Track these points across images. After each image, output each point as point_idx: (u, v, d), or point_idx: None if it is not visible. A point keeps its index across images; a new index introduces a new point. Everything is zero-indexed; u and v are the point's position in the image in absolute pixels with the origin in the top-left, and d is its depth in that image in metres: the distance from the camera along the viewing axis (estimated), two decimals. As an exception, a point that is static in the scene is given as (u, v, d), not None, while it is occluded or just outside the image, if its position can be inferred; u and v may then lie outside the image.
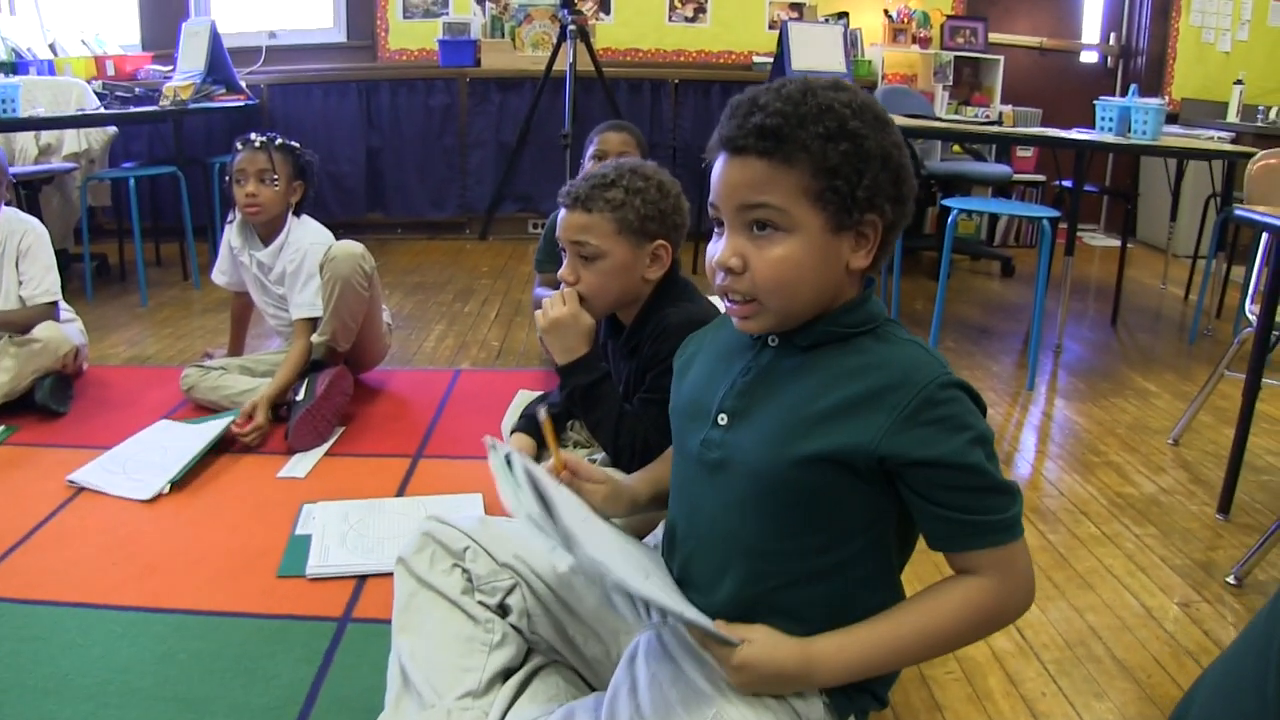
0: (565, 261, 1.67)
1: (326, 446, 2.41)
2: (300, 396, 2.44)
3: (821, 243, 0.97)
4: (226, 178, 2.62)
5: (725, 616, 1.03)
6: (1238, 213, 2.12)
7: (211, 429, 2.36)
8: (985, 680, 1.55)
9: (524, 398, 2.17)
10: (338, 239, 2.65)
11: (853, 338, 1.01)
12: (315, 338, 2.55)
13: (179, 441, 2.33)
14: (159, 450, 2.30)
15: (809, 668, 0.99)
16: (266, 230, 2.65)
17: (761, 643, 0.99)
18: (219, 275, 2.85)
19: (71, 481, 2.14)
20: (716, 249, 1.01)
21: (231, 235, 2.73)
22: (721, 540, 1.06)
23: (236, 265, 2.77)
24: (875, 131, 0.96)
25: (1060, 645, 1.66)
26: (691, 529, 1.10)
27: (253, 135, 2.60)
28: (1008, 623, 1.02)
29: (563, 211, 1.66)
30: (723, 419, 1.05)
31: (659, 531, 1.31)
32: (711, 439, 1.06)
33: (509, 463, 1.10)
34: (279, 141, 2.61)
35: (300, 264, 2.59)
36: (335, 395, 2.48)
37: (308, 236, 2.63)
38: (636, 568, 1.05)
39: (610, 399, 1.66)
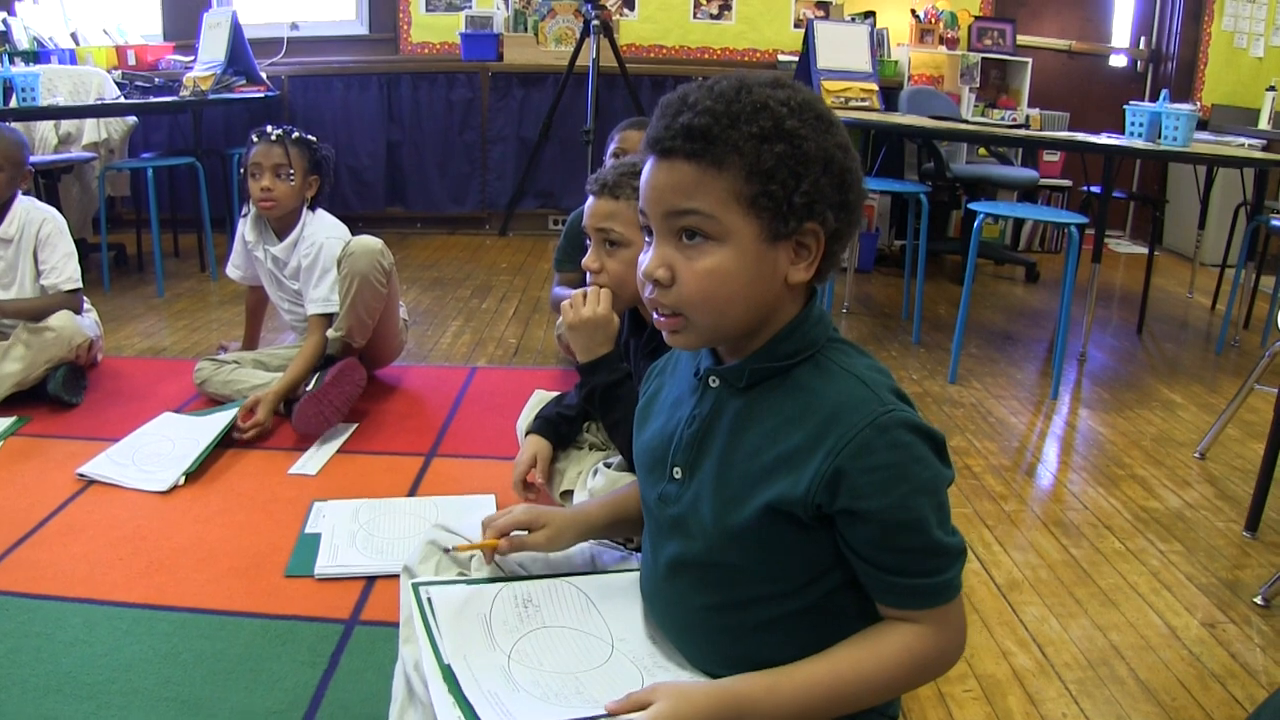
0: (590, 249, 1.65)
1: (339, 443, 2.38)
2: (309, 389, 2.42)
3: (755, 253, 0.90)
4: (242, 170, 2.60)
5: (701, 669, 1.01)
6: (1275, 222, 2.07)
7: (218, 420, 2.34)
8: (1005, 699, 1.51)
9: (540, 397, 2.14)
10: (356, 233, 2.62)
11: (792, 369, 0.95)
12: (330, 333, 2.53)
13: (185, 433, 2.32)
14: (166, 442, 2.29)
15: (738, 711, 0.92)
16: (281, 225, 2.63)
17: (671, 707, 0.89)
18: (233, 270, 2.83)
19: (81, 475, 2.12)
20: (644, 259, 0.95)
21: (246, 229, 2.71)
22: (681, 595, 1.03)
23: (251, 259, 2.75)
24: (816, 132, 0.89)
25: (1082, 664, 1.61)
26: (655, 583, 1.07)
27: (268, 128, 2.58)
28: (941, 674, 0.98)
29: (590, 199, 1.64)
30: (677, 473, 1.02)
31: None
32: (668, 494, 1.02)
33: (431, 604, 1.09)
34: (295, 135, 2.58)
35: (315, 259, 2.57)
36: (345, 384, 2.44)
37: (323, 231, 2.61)
38: (571, 669, 1.02)
39: (630, 400, 1.62)
